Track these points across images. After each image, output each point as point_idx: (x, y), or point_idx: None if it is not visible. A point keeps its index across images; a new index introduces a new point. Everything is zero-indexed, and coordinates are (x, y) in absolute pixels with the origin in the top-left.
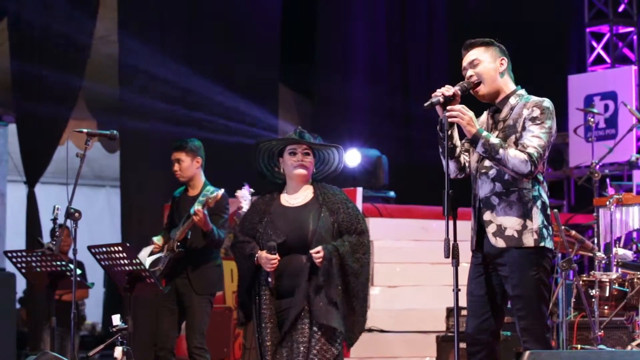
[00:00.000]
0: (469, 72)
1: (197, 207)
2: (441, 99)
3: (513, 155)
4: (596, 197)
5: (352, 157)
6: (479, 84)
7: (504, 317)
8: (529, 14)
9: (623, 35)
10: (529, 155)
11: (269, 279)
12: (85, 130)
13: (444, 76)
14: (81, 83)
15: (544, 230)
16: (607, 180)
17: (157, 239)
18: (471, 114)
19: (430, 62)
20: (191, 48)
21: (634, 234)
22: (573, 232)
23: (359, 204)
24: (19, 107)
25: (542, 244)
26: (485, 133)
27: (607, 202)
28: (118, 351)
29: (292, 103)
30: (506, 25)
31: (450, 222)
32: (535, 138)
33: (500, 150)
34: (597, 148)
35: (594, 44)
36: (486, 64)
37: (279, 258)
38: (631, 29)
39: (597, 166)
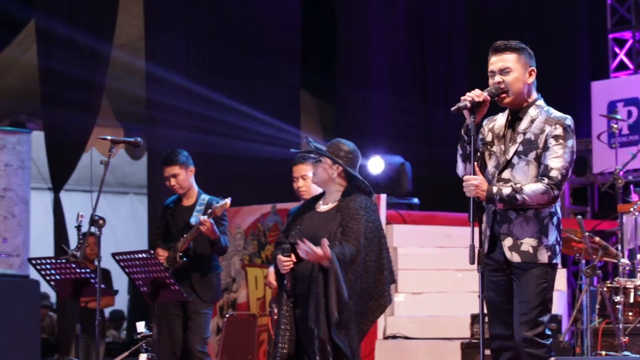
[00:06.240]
0: (498, 78)
1: (202, 217)
2: (468, 104)
3: (532, 193)
4: (620, 204)
5: (375, 165)
6: (505, 91)
7: None
8: (551, 20)
9: None
10: (549, 179)
11: (285, 281)
12: (109, 137)
13: (464, 82)
14: (103, 89)
15: (557, 247)
16: (631, 186)
17: (162, 250)
18: (479, 180)
19: (450, 68)
20: (214, 55)
21: None
22: (597, 239)
23: (383, 211)
24: (47, 112)
25: (554, 261)
26: (495, 189)
27: (631, 209)
28: (143, 358)
29: (314, 110)
30: (528, 31)
31: (476, 229)
32: (558, 159)
33: (518, 197)
34: (620, 154)
35: (617, 50)
36: (517, 74)
37: (293, 260)
38: None
39: (621, 172)
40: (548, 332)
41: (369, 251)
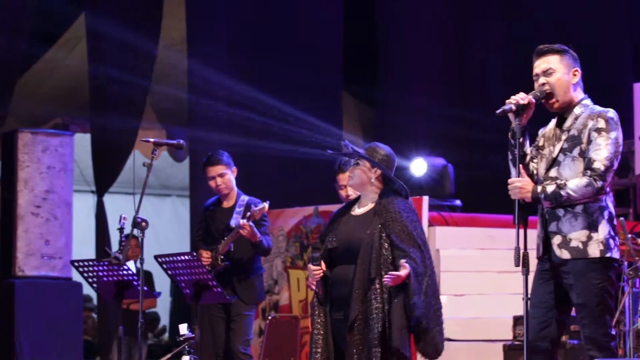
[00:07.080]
0: (542, 80)
1: (242, 221)
2: (513, 107)
3: (575, 187)
4: None
5: (418, 167)
6: (551, 94)
7: (566, 325)
8: (593, 22)
9: None
10: (592, 171)
11: (315, 289)
12: (152, 139)
13: (502, 86)
14: (147, 91)
15: (611, 241)
16: None
17: (205, 252)
18: (523, 182)
19: (490, 70)
20: (256, 58)
21: None
22: (639, 240)
23: (425, 213)
24: (94, 115)
25: (607, 255)
26: (539, 189)
27: None
28: None
29: (356, 112)
30: (568, 31)
31: (521, 231)
32: (600, 151)
33: (562, 192)
34: None
35: None
36: (560, 74)
37: (323, 269)
38: None
39: None
40: (612, 332)
41: (427, 248)
